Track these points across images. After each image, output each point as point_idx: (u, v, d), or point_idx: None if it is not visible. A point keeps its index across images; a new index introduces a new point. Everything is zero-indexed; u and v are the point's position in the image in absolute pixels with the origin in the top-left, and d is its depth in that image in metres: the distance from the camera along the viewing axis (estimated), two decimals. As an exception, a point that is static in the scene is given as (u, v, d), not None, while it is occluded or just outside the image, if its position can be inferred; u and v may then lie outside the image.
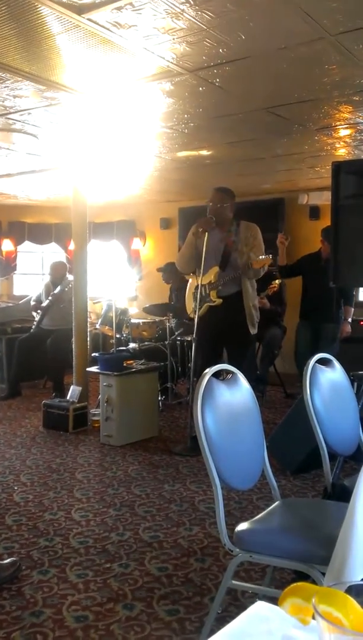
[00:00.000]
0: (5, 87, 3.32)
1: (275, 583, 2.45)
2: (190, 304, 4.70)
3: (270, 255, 4.39)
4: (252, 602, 2.32)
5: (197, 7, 2.33)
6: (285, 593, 0.67)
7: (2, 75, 3.13)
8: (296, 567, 1.85)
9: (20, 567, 2.63)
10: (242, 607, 2.33)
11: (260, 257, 4.30)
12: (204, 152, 5.09)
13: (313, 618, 0.62)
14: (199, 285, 4.43)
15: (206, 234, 4.32)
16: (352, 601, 0.59)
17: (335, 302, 5.28)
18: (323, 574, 1.74)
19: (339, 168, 3.44)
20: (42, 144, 4.78)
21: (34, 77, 3.15)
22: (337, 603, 0.58)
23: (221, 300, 4.41)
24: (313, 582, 1.77)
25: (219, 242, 4.46)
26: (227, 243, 4.45)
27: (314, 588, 0.64)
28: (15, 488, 3.71)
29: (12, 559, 2.66)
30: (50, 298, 6.39)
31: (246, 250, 4.39)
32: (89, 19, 2.45)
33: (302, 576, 1.92)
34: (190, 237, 4.50)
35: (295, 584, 0.67)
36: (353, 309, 5.47)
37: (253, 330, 4.48)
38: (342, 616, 0.57)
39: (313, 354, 2.46)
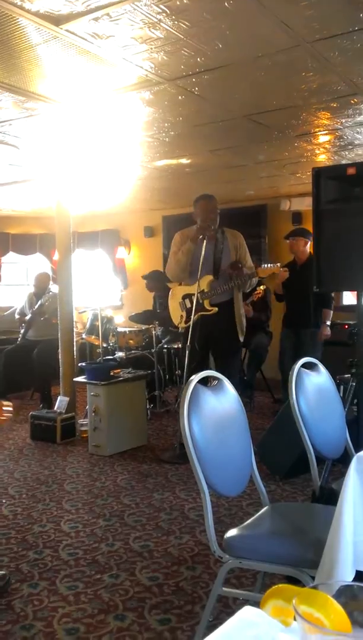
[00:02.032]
0: (-16, 98, 3.32)
1: (265, 589, 2.44)
2: (176, 314, 4.67)
3: (279, 264, 4.44)
4: (243, 609, 2.29)
5: (174, 17, 2.35)
6: (266, 595, 0.67)
7: (-19, 87, 3.13)
8: (286, 572, 1.85)
9: (10, 580, 2.60)
10: (233, 615, 2.33)
11: (269, 265, 4.32)
12: (186, 160, 5.11)
13: (295, 619, 0.63)
14: (186, 294, 4.44)
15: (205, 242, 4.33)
16: (332, 601, 0.59)
17: (313, 306, 5.34)
18: (313, 578, 1.75)
19: (319, 174, 3.47)
20: (24, 155, 4.77)
21: (13, 88, 3.16)
22: (317, 604, 0.58)
23: (216, 309, 4.42)
24: (304, 586, 1.77)
25: (209, 250, 4.45)
26: (230, 270, 4.44)
27: (295, 590, 0.64)
28: (3, 501, 3.67)
29: (1, 572, 2.63)
30: (32, 311, 6.37)
31: (246, 271, 4.40)
32: (67, 30, 2.46)
33: (293, 581, 1.92)
34: (188, 244, 4.45)
35: (276, 586, 0.67)
36: (332, 312, 5.50)
37: (242, 337, 4.50)
38: (322, 617, 0.57)
39: (296, 360, 2.47)
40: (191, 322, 4.36)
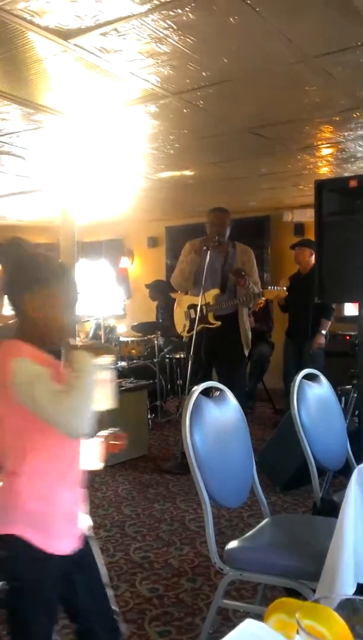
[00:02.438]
0: (-8, 110, 3.36)
1: (266, 601, 2.43)
2: (180, 322, 4.70)
3: (285, 288, 4.47)
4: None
5: (180, 32, 2.39)
6: (270, 609, 0.68)
7: (-10, 98, 3.17)
8: (287, 584, 1.84)
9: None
10: (234, 627, 2.32)
11: (276, 287, 4.35)
12: (189, 172, 5.16)
13: (298, 633, 0.63)
14: (191, 304, 4.46)
15: (209, 253, 4.35)
16: (335, 615, 0.60)
17: (314, 316, 5.36)
18: (314, 590, 1.74)
19: (322, 186, 3.50)
20: (30, 166, 4.82)
21: (21, 100, 3.20)
22: (320, 617, 0.59)
23: (219, 323, 4.43)
24: (305, 599, 1.77)
25: (218, 263, 4.48)
26: (231, 275, 4.45)
27: (298, 603, 0.65)
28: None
29: (1, 583, 2.62)
30: None
31: (248, 283, 4.41)
32: (75, 44, 2.50)
33: (294, 594, 1.92)
34: (193, 254, 4.47)
35: (279, 600, 0.68)
36: (330, 322, 5.48)
37: (246, 351, 4.52)
38: (325, 630, 0.58)
39: (298, 371, 2.48)
40: (193, 333, 4.37)
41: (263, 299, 5.82)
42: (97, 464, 1.55)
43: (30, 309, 1.41)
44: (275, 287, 4.33)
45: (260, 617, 1.41)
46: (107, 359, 1.32)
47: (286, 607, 0.66)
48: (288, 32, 2.43)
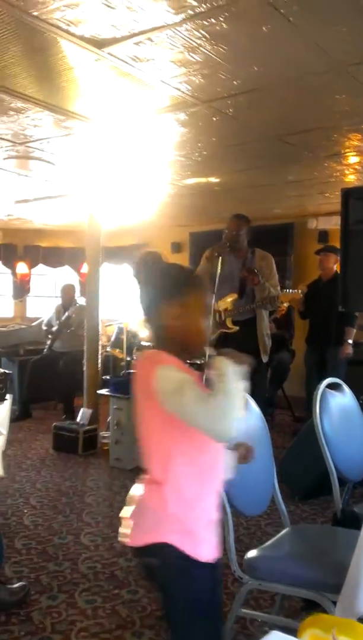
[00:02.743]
0: (26, 117, 3.42)
1: (284, 611, 2.42)
2: None
3: (299, 290, 4.40)
4: (261, 631, 2.30)
5: (213, 42, 2.41)
6: (304, 624, 0.68)
7: (24, 105, 3.22)
8: (307, 596, 1.83)
9: (30, 591, 2.62)
10: (251, 636, 2.31)
11: (290, 290, 4.28)
12: (215, 179, 5.17)
13: (333, 649, 0.63)
14: (214, 311, 4.45)
15: (220, 259, 4.36)
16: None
17: (336, 324, 5.31)
18: (334, 602, 1.73)
19: (348, 194, 3.48)
20: (59, 171, 4.88)
21: (53, 107, 3.25)
22: (356, 634, 0.59)
23: (237, 328, 4.42)
24: (323, 610, 1.76)
25: (236, 269, 4.48)
26: (244, 273, 4.45)
27: (333, 619, 0.65)
28: (25, 511, 3.70)
29: (21, 583, 2.65)
30: (58, 323, 6.49)
31: (266, 284, 4.41)
32: (109, 53, 2.54)
33: (312, 604, 1.90)
34: (204, 262, 4.51)
35: (314, 615, 0.68)
36: (355, 330, 5.43)
37: (265, 358, 4.46)
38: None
39: (320, 379, 2.47)
40: (212, 338, 4.38)
41: (285, 305, 5.83)
42: (231, 473, 1.57)
43: (171, 317, 1.45)
44: (291, 290, 4.28)
45: (278, 627, 1.40)
46: (245, 367, 1.34)
47: (322, 622, 0.66)
48: (320, 41, 2.43)
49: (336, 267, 5.59)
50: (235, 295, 4.45)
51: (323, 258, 5.62)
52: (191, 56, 2.54)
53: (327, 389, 2.41)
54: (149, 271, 1.50)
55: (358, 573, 1.60)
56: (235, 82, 2.85)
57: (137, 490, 1.48)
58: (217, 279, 4.32)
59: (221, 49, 2.48)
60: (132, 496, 1.49)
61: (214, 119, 3.40)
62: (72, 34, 2.36)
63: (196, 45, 2.44)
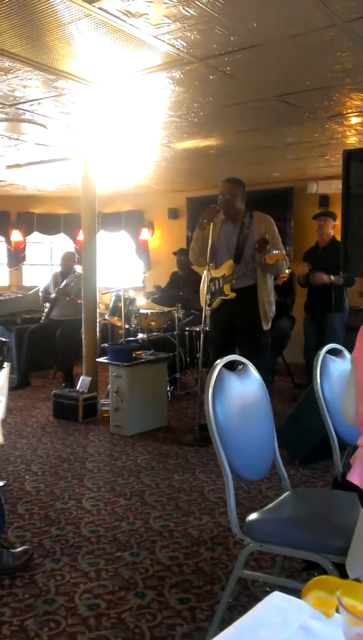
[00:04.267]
0: (15, 77, 3.31)
1: (285, 572, 2.46)
2: (203, 297, 4.67)
3: (284, 251, 4.36)
4: (262, 591, 2.34)
5: (208, -6, 2.31)
6: (308, 586, 0.67)
7: (12, 65, 3.12)
8: (307, 557, 1.85)
9: (33, 555, 2.66)
10: (252, 597, 2.36)
11: (274, 251, 4.21)
12: (213, 142, 5.06)
13: (337, 611, 0.63)
14: (212, 278, 4.40)
15: (214, 225, 4.29)
16: (376, 594, 0.59)
17: (335, 291, 5.27)
18: (334, 563, 1.75)
19: (350, 156, 3.41)
20: (52, 134, 4.77)
21: (43, 66, 3.14)
22: (361, 596, 0.58)
23: (234, 295, 4.36)
24: (324, 571, 1.78)
25: (234, 235, 4.41)
26: (239, 236, 4.39)
27: (337, 581, 0.64)
28: (27, 477, 3.74)
29: (24, 547, 2.69)
30: (57, 290, 6.44)
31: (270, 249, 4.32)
32: (100, 8, 2.43)
33: (312, 565, 1.93)
34: (197, 230, 4.47)
35: (318, 577, 0.67)
36: (342, 280, 5.27)
37: (266, 326, 4.39)
38: (366, 609, 0.57)
39: (319, 345, 2.46)
40: (212, 307, 4.36)
41: (287, 271, 5.78)
42: None
43: None
44: (274, 252, 4.22)
45: (278, 587, 1.41)
46: None
47: (326, 584, 0.65)
48: (321, -6, 2.33)
49: (333, 233, 5.52)
50: (231, 261, 4.39)
51: (322, 223, 5.55)
52: (186, 10, 2.44)
53: (328, 355, 2.40)
54: None
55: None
56: (232, 39, 2.75)
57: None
58: (209, 245, 4.27)
59: (217, 3, 2.37)
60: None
61: (211, 77, 3.30)
62: (62, -13, 2.26)
63: (191, -2, 2.33)
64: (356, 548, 1.61)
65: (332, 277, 5.24)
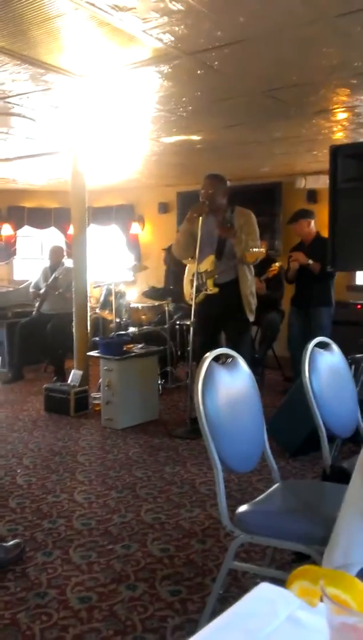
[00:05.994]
0: (3, 70, 3.29)
1: (275, 564, 2.50)
2: (188, 289, 4.72)
3: (263, 249, 4.41)
4: (253, 583, 2.36)
5: (196, -10, 2.31)
6: (293, 575, 0.69)
7: (0, 58, 3.10)
8: (297, 548, 1.88)
9: (25, 548, 2.68)
10: (243, 588, 2.39)
11: (254, 249, 4.27)
12: (202, 136, 5.06)
13: (321, 600, 0.65)
14: (196, 273, 4.43)
15: (201, 220, 4.31)
16: (359, 583, 0.61)
17: (319, 285, 5.30)
18: (323, 554, 1.78)
19: (337, 151, 3.43)
20: (41, 128, 4.74)
21: (32, 60, 3.12)
22: (344, 585, 0.60)
23: (217, 290, 4.42)
24: (313, 562, 1.81)
25: (215, 229, 4.45)
26: (221, 231, 4.42)
27: (322, 571, 0.66)
28: (18, 471, 3.75)
29: (16, 540, 2.71)
30: (45, 285, 6.43)
31: (243, 238, 4.37)
32: (87, 2, 2.42)
33: (302, 556, 1.96)
34: (185, 223, 4.49)
35: (303, 567, 0.69)
36: (319, 268, 5.25)
37: (251, 317, 4.48)
38: (349, 598, 0.59)
39: (305, 339, 2.48)
40: (195, 301, 4.39)
41: (277, 265, 5.81)
42: None
43: None
44: (254, 249, 4.26)
45: (269, 579, 1.44)
46: None
47: (310, 574, 0.67)
48: (308, -11, 2.34)
49: (314, 229, 5.55)
50: (213, 257, 4.44)
51: (296, 227, 5.59)
52: (174, 5, 2.44)
53: (316, 348, 2.42)
54: None
55: (348, 526, 1.64)
56: (219, 33, 2.75)
57: None
58: (199, 240, 4.29)
59: (205, -3, 2.38)
60: None
61: (198, 72, 3.30)
62: (49, -18, 2.25)
63: (179, -7, 2.33)
64: (337, 536, 1.64)
65: (310, 261, 5.28)
